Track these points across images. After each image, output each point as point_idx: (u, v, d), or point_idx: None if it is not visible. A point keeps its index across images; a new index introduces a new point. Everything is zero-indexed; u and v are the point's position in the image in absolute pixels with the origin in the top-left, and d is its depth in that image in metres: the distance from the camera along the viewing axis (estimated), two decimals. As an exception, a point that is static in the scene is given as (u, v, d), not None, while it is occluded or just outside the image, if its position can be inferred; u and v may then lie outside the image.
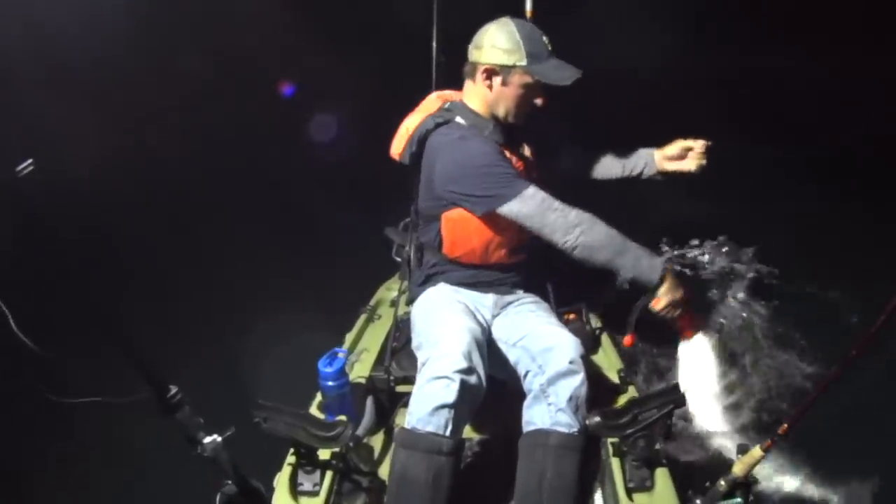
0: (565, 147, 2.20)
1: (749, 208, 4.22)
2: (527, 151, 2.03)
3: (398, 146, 1.97)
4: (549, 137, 2.15)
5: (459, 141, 1.86)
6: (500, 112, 1.90)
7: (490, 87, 1.87)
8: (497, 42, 1.81)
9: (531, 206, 1.78)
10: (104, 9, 3.66)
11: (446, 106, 1.96)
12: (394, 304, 2.46)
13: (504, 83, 1.85)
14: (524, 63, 1.80)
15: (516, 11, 2.39)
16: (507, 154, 1.91)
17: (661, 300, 1.79)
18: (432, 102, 2.02)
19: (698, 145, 2.03)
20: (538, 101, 1.88)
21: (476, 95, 1.92)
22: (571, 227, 1.76)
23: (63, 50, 3.67)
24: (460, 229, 1.93)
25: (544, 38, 1.84)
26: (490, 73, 1.85)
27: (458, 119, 1.91)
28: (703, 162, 2.04)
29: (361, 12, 5.28)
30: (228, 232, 4.21)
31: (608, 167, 2.17)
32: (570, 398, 1.70)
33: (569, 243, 1.77)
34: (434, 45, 2.46)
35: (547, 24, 1.96)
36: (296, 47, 5.11)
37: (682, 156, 2.06)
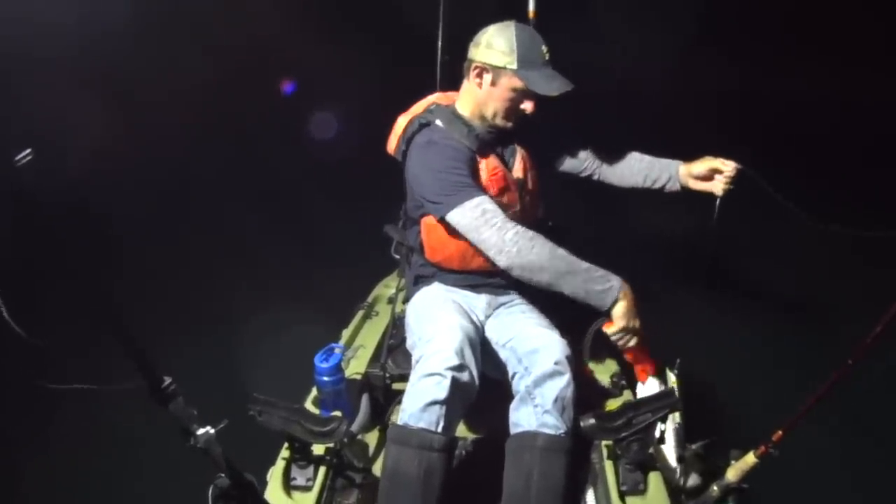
0: (580, 151, 2.16)
1: (748, 219, 4.23)
2: (517, 158, 1.99)
3: (392, 143, 1.98)
4: (553, 143, 2.13)
5: (426, 145, 1.86)
6: (488, 112, 1.89)
7: (480, 84, 1.87)
8: (493, 42, 1.82)
9: (469, 218, 1.75)
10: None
11: (431, 108, 1.95)
12: (391, 301, 2.47)
13: (493, 83, 1.84)
14: (514, 66, 1.79)
15: (520, 12, 2.40)
16: (485, 161, 1.88)
17: (613, 324, 1.72)
18: (424, 103, 2.02)
19: (728, 168, 1.93)
20: (527, 108, 1.86)
21: (468, 93, 1.92)
22: (506, 247, 1.71)
23: (64, 40, 3.66)
24: (437, 235, 1.92)
25: (544, 46, 1.83)
26: (481, 70, 1.85)
27: (437, 122, 1.90)
28: (731, 187, 1.93)
29: (365, 10, 5.28)
30: (226, 225, 4.22)
31: (629, 175, 2.13)
32: (556, 399, 1.69)
33: (502, 262, 1.73)
34: (439, 43, 2.46)
35: (548, 26, 1.95)
36: (298, 44, 5.11)
37: (710, 177, 1.97)
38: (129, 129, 4.56)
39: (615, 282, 1.70)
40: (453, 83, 2.07)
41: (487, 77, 1.84)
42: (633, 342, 1.77)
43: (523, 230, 1.73)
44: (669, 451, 1.77)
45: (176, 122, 4.77)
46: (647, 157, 2.13)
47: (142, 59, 4.75)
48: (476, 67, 1.85)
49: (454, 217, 1.78)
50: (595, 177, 2.19)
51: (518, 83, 1.81)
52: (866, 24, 5.41)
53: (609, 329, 1.73)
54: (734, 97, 5.43)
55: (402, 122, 1.97)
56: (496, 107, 1.87)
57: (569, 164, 2.18)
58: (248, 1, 5.20)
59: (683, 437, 1.78)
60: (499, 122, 1.90)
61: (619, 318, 1.70)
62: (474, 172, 1.85)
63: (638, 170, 2.12)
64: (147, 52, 4.76)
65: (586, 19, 4.97)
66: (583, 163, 2.17)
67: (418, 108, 2.00)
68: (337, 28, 5.35)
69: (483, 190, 1.82)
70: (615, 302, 1.69)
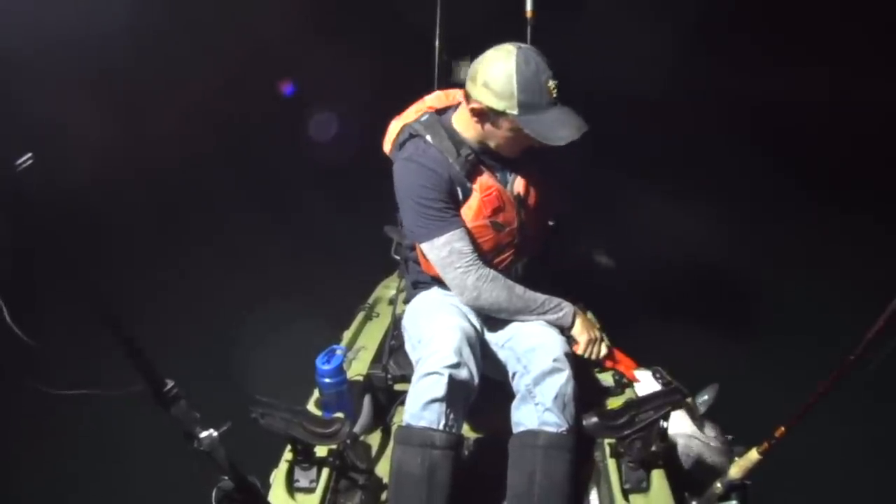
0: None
1: (750, 224, 4.25)
2: (520, 172, 1.88)
3: (386, 146, 1.94)
4: (561, 169, 2.02)
5: (406, 161, 1.80)
6: (492, 146, 1.81)
7: (480, 125, 1.75)
8: (490, 81, 1.65)
9: (435, 256, 1.81)
10: (106, 3, 3.65)
11: (423, 118, 1.86)
12: (392, 302, 2.47)
13: (494, 125, 1.72)
14: (515, 112, 1.64)
15: (518, 11, 2.40)
16: (479, 180, 1.80)
17: (578, 344, 1.90)
18: (418, 107, 1.96)
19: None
20: (534, 143, 1.72)
21: (467, 120, 1.80)
22: (467, 290, 1.81)
23: (65, 43, 3.66)
24: None
25: (551, 81, 1.64)
26: (479, 113, 1.71)
27: (427, 136, 1.80)
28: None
29: (364, 10, 5.27)
30: (228, 228, 4.22)
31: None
32: (556, 397, 1.69)
33: (463, 301, 1.85)
34: (437, 43, 2.46)
35: (547, 26, 1.92)
36: (297, 44, 5.11)
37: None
38: (129, 131, 4.56)
39: (567, 308, 1.91)
40: (451, 83, 2.06)
41: (486, 119, 1.72)
42: (603, 350, 1.96)
43: (485, 273, 1.81)
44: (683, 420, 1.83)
45: (175, 123, 4.77)
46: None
47: (141, 62, 4.75)
48: (472, 108, 1.72)
49: (424, 249, 1.84)
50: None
51: (521, 127, 1.67)
52: (872, 27, 5.41)
53: (577, 350, 1.90)
54: (739, 99, 5.43)
55: (394, 126, 1.92)
56: (499, 144, 1.78)
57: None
58: (248, 2, 5.19)
59: (693, 401, 1.89)
60: (504, 153, 1.82)
61: (579, 335, 1.90)
62: (454, 197, 1.79)
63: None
64: (147, 54, 4.76)
65: (585, 17, 4.96)
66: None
67: (410, 114, 1.94)
68: (336, 28, 5.35)
69: (459, 221, 1.79)
70: (571, 325, 1.89)
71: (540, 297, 1.88)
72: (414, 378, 1.71)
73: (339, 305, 2.74)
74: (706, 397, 1.92)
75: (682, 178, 4.46)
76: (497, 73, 1.64)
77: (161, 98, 4.84)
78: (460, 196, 1.81)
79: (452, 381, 1.65)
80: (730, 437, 1.88)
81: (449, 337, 1.72)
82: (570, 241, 2.18)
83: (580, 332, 1.90)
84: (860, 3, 5.45)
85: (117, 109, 4.53)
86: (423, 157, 1.79)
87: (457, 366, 1.67)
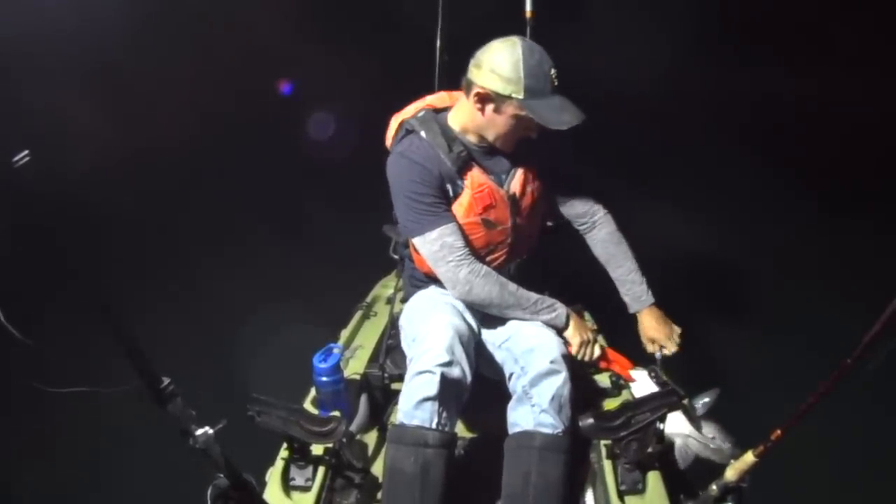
0: (579, 202, 2.07)
1: (747, 225, 4.25)
2: (517, 171, 1.89)
3: (388, 140, 1.96)
4: (557, 166, 2.01)
5: (398, 157, 1.82)
6: (489, 137, 1.82)
7: (482, 111, 1.76)
8: (497, 67, 1.68)
9: (426, 250, 1.82)
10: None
11: (420, 115, 1.87)
12: (390, 301, 2.47)
13: (496, 111, 1.74)
14: (521, 97, 1.68)
15: (518, 11, 2.40)
16: (470, 176, 1.82)
17: (572, 346, 1.89)
18: (417, 105, 1.97)
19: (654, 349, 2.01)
20: (531, 134, 1.79)
21: (465, 112, 1.83)
22: (459, 284, 1.81)
23: (62, 39, 3.66)
24: None
25: (553, 71, 1.70)
26: (483, 98, 1.73)
27: (422, 133, 1.82)
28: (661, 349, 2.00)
29: (364, 9, 5.27)
30: (225, 225, 4.21)
31: (605, 260, 2.09)
32: (553, 398, 1.70)
33: (455, 295, 1.85)
34: (438, 43, 2.46)
35: (546, 26, 1.92)
36: (296, 42, 5.11)
37: (650, 340, 2.03)
38: (128, 129, 4.57)
39: (560, 309, 1.90)
40: (452, 83, 2.06)
41: (490, 106, 1.74)
42: (596, 352, 1.96)
43: (477, 268, 1.82)
44: (680, 420, 1.82)
45: (174, 122, 4.77)
46: (624, 269, 2.06)
47: (140, 59, 4.75)
48: (478, 93, 1.74)
49: (416, 243, 1.84)
50: (580, 232, 2.12)
51: (524, 113, 1.71)
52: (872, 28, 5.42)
53: (572, 351, 1.90)
54: (737, 100, 5.43)
55: (394, 122, 1.94)
56: (498, 133, 1.80)
57: (566, 210, 2.10)
58: (247, 1, 5.20)
59: (690, 404, 1.88)
60: (499, 145, 1.84)
61: (572, 337, 1.90)
62: (445, 194, 1.81)
63: (614, 271, 2.08)
64: (146, 51, 4.77)
65: (585, 18, 4.97)
66: (578, 217, 2.09)
67: (409, 110, 1.95)
68: (335, 28, 5.35)
69: (450, 216, 1.81)
70: (565, 326, 1.90)
71: (533, 296, 1.88)
72: (407, 377, 1.71)
73: (337, 304, 2.75)
74: (706, 399, 1.92)
75: (680, 178, 4.47)
76: (504, 59, 1.69)
77: (160, 97, 4.84)
78: (451, 193, 1.83)
79: (445, 379, 1.65)
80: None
81: (442, 335, 1.72)
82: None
83: (573, 333, 1.90)
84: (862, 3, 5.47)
85: (116, 107, 4.54)
86: (416, 153, 1.81)
87: (449, 364, 1.67)
